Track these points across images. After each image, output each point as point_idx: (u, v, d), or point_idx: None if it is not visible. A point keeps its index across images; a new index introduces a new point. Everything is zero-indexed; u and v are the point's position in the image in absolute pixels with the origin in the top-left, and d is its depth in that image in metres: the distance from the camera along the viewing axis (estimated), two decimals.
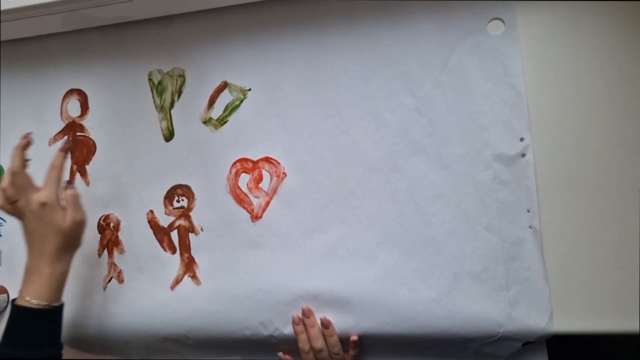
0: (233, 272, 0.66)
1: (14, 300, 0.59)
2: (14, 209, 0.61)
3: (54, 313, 0.60)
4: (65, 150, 0.65)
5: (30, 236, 0.60)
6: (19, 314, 0.58)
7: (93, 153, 0.73)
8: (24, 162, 0.62)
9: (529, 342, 0.59)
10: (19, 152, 0.62)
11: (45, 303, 0.58)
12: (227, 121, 0.69)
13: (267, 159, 0.67)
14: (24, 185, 0.61)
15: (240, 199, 0.67)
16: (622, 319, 0.56)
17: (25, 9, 0.65)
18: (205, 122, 0.69)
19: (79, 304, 0.71)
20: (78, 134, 0.74)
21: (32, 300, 0.58)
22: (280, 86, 0.67)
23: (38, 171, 0.75)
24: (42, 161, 0.74)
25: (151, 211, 0.71)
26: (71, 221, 0.61)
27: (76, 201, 0.63)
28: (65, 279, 0.61)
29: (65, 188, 0.63)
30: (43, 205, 0.60)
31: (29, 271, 0.60)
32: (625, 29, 0.58)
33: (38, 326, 0.58)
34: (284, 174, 0.66)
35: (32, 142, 0.64)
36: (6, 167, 0.76)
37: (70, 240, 0.61)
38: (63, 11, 0.66)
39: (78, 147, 0.74)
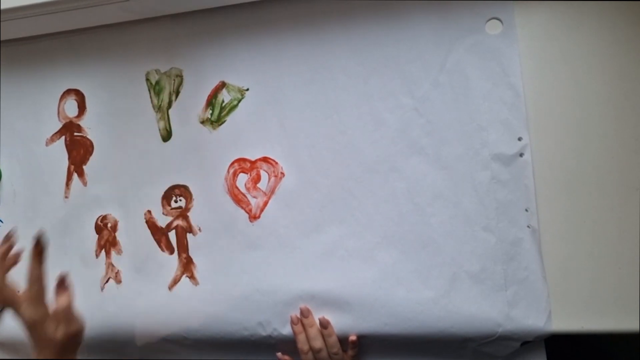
0: (231, 273, 0.66)
1: None
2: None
3: None
4: (37, 254, 0.56)
5: (28, 340, 0.55)
6: None
7: (90, 153, 0.73)
8: (4, 273, 0.58)
9: (527, 342, 0.59)
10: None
11: None
12: (225, 121, 0.68)
13: (265, 159, 0.67)
14: (8, 298, 0.56)
15: (238, 199, 0.67)
16: (621, 318, 0.56)
17: (25, 9, 0.64)
18: (203, 122, 0.69)
19: (76, 305, 0.70)
20: (75, 134, 0.74)
21: None
22: (279, 86, 0.67)
23: (36, 172, 0.75)
24: (39, 162, 0.75)
25: (149, 211, 0.70)
26: (64, 335, 0.53)
27: (69, 312, 0.55)
28: None
29: (57, 294, 0.56)
30: (32, 324, 0.54)
31: None
32: (625, 29, 0.58)
33: None
34: (282, 174, 0.66)
35: (14, 245, 0.61)
36: (4, 168, 0.76)
37: (66, 351, 0.54)
38: (61, 11, 0.65)
39: (75, 148, 0.74)
